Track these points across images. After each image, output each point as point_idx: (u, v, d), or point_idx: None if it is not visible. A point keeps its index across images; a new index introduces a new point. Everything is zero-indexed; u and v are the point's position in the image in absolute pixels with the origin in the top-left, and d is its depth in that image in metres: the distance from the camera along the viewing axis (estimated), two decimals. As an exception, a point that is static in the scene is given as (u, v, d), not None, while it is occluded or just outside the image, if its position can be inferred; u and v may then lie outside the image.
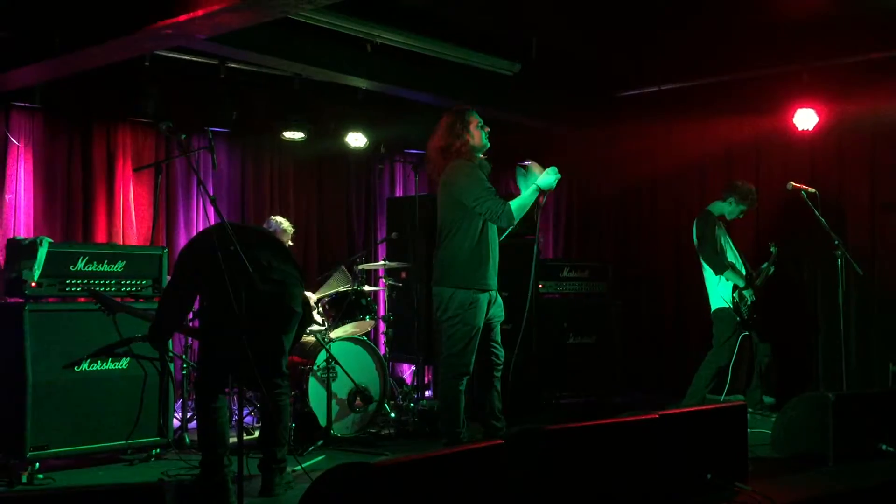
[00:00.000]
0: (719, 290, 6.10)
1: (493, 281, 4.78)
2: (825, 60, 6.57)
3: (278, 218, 6.21)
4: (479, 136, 4.76)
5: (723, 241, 6.20)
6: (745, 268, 6.24)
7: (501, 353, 4.90)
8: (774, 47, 6.55)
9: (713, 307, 6.13)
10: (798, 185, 5.89)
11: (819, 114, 6.64)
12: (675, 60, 6.99)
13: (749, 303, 6.03)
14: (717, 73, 7.03)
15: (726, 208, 6.24)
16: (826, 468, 4.42)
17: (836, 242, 5.75)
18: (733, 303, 5.97)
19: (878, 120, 6.62)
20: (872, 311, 6.72)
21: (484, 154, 4.86)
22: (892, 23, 5.97)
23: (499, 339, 4.88)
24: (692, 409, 4.07)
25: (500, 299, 4.86)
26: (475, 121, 4.78)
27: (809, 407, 4.70)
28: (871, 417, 4.62)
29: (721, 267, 6.03)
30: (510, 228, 4.77)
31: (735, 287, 6.04)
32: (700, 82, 7.19)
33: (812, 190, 5.85)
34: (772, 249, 6.41)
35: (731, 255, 6.20)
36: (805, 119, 6.66)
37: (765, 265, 6.41)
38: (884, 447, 4.52)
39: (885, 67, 6.40)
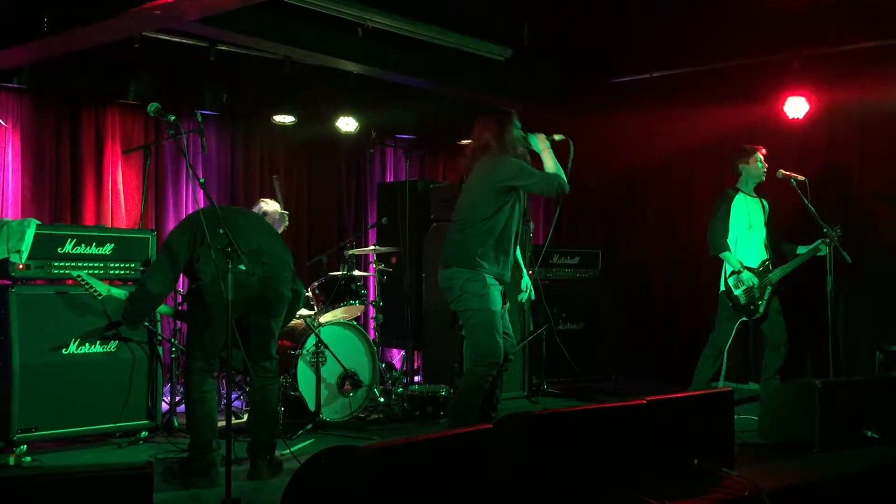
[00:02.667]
0: (724, 272, 5.94)
1: (508, 274, 4.80)
2: (816, 49, 6.58)
3: (265, 206, 6.06)
4: (517, 138, 4.81)
5: (739, 221, 5.91)
6: (763, 254, 5.92)
7: (511, 347, 4.84)
8: (766, 35, 6.55)
9: (721, 288, 5.97)
10: (788, 173, 5.89)
11: (810, 102, 6.65)
12: (667, 48, 6.99)
13: (747, 287, 5.81)
14: (709, 60, 7.03)
15: (750, 176, 5.96)
16: (812, 454, 4.46)
17: (825, 230, 5.76)
18: (727, 287, 5.88)
19: (868, 109, 6.63)
20: (860, 299, 6.76)
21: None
22: (883, 12, 5.98)
23: (510, 330, 4.85)
24: (679, 395, 4.09)
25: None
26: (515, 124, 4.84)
27: (796, 394, 4.73)
28: (857, 404, 4.65)
29: (715, 248, 5.88)
30: None
31: (732, 272, 5.84)
32: (691, 70, 7.19)
33: (802, 178, 5.85)
34: (833, 232, 5.83)
35: (739, 237, 5.91)
36: (796, 107, 6.67)
37: (804, 248, 5.95)
38: (869, 434, 4.55)
39: (875, 56, 6.41)
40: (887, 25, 6.17)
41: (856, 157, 6.85)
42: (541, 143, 4.79)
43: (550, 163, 4.74)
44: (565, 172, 4.70)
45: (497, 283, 4.73)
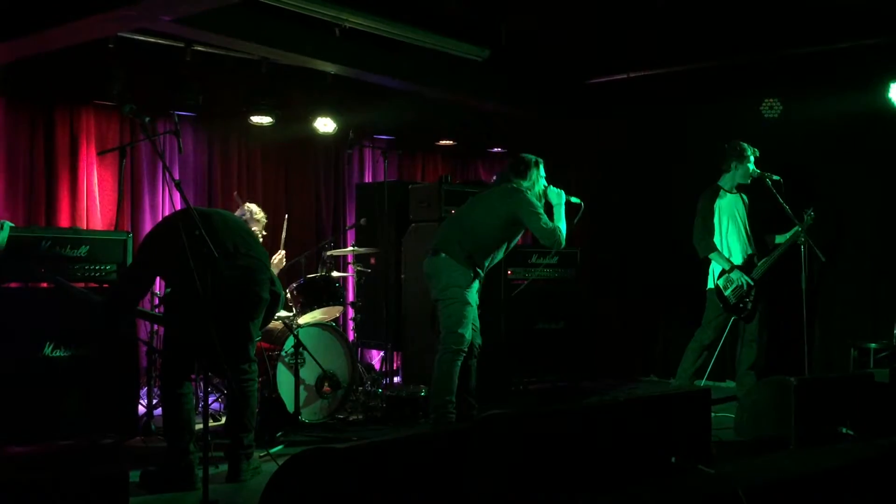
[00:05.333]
0: (712, 271, 5.97)
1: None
2: (787, 50, 6.65)
3: (252, 207, 6.05)
4: (537, 183, 5.26)
5: (724, 219, 5.95)
6: (748, 249, 5.96)
7: (479, 339, 5.25)
8: (741, 36, 6.60)
9: (708, 286, 6.00)
10: (764, 172, 5.93)
11: (783, 102, 6.74)
12: (644, 48, 7.03)
13: (736, 286, 5.84)
14: (686, 61, 7.07)
15: (736, 175, 5.97)
16: (788, 451, 4.49)
17: (800, 229, 5.81)
18: (717, 288, 5.90)
19: (828, 109, 6.68)
20: (834, 297, 6.82)
21: None
22: (839, 17, 6.06)
23: (478, 325, 5.23)
24: (656, 394, 4.12)
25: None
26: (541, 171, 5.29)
27: (772, 391, 4.77)
28: (831, 401, 4.69)
29: (704, 250, 5.89)
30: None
31: (722, 271, 5.86)
32: (669, 70, 7.23)
33: (777, 177, 5.89)
34: (805, 216, 5.86)
35: (725, 235, 5.95)
36: (770, 107, 6.73)
37: (782, 237, 5.98)
38: (844, 430, 4.60)
39: (829, 62, 6.52)
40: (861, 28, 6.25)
41: (830, 157, 6.92)
42: (558, 198, 5.24)
43: (560, 217, 5.18)
44: (568, 232, 5.16)
45: (477, 281, 5.16)
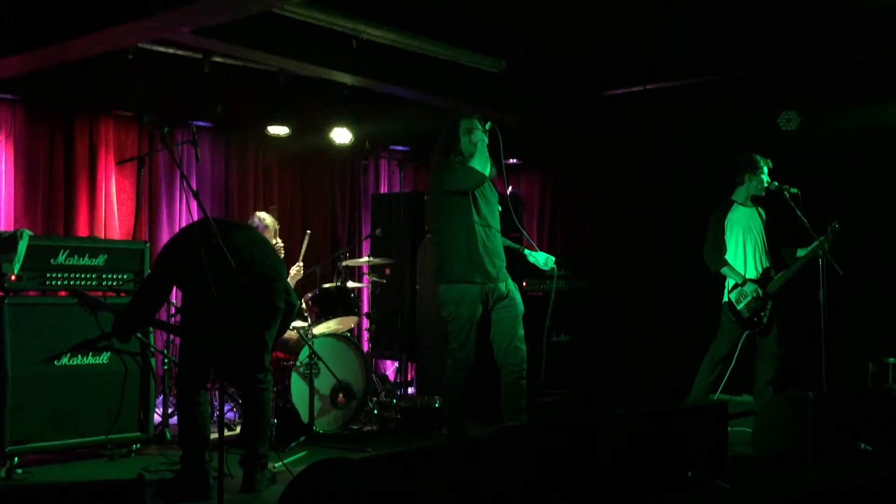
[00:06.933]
0: (727, 284, 5.93)
1: (487, 273, 4.92)
2: (805, 63, 6.62)
3: (262, 214, 6.16)
4: (454, 141, 4.99)
5: (738, 233, 5.91)
6: (764, 262, 5.89)
7: (523, 349, 4.97)
8: (762, 48, 6.59)
9: (724, 298, 5.94)
10: (781, 185, 5.90)
11: (801, 115, 6.71)
12: (661, 61, 7.02)
13: (749, 300, 5.79)
14: (704, 72, 7.06)
15: (750, 187, 5.93)
16: (805, 466, 4.45)
17: (820, 242, 5.76)
18: (730, 302, 5.86)
19: (848, 124, 6.64)
20: (853, 311, 6.77)
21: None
22: (865, 26, 6.03)
23: (521, 334, 4.98)
24: (672, 408, 4.09)
25: (514, 292, 5.04)
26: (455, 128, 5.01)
27: (789, 406, 4.73)
28: (850, 417, 4.65)
29: (713, 264, 5.87)
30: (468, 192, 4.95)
31: (735, 285, 5.83)
32: (685, 82, 7.22)
33: (794, 189, 5.85)
34: (829, 229, 5.74)
35: (739, 248, 5.89)
36: (788, 119, 6.71)
37: (804, 250, 5.85)
38: (862, 446, 4.55)
39: (863, 72, 6.48)
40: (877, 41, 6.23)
41: (848, 168, 6.88)
42: (482, 133, 4.98)
43: (482, 156, 4.93)
44: (495, 161, 4.93)
45: (472, 286, 4.88)
